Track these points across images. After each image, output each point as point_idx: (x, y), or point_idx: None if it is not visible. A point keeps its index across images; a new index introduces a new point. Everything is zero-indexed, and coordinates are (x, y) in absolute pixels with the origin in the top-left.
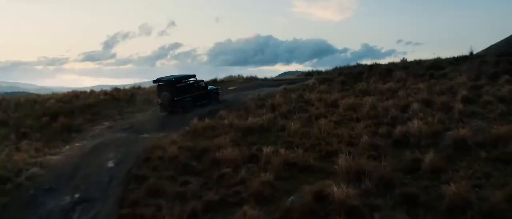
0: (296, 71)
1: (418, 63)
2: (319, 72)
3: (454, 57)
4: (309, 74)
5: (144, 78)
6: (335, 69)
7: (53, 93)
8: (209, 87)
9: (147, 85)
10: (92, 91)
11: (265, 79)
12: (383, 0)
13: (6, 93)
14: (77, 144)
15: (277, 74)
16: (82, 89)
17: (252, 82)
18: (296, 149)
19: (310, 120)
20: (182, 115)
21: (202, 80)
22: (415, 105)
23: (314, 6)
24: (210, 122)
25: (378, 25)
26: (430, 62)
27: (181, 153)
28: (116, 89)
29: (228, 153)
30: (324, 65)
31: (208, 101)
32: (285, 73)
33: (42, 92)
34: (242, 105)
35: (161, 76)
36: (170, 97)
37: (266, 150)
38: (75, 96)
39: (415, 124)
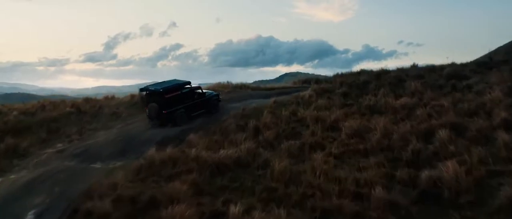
0: (297, 73)
1: (432, 70)
2: (317, 80)
3: (474, 62)
4: (306, 82)
5: (145, 79)
6: (336, 76)
7: (23, 103)
8: (207, 92)
9: (122, 95)
10: (62, 101)
11: (257, 87)
12: (384, 1)
13: (7, 94)
14: (12, 176)
15: (278, 75)
16: (83, 90)
17: (242, 91)
18: (277, 208)
19: (302, 150)
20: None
21: (199, 87)
22: (442, 133)
23: (315, 7)
24: (172, 152)
25: (379, 26)
26: (448, 71)
27: (117, 208)
28: (86, 99)
29: (180, 212)
30: (325, 66)
31: (206, 110)
32: (286, 74)
33: (43, 93)
34: (221, 124)
35: (160, 79)
36: (158, 109)
37: (234, 209)
38: (42, 107)
39: (449, 167)
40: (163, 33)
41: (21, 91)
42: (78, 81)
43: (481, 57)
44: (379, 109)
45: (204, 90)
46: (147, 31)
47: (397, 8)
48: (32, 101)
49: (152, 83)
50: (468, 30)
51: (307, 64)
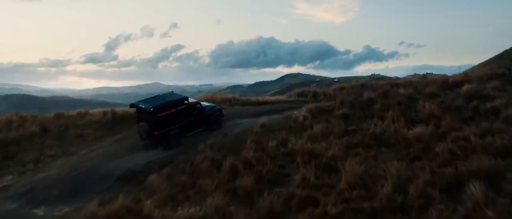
0: (298, 74)
1: (445, 83)
2: (315, 94)
3: (491, 75)
4: (302, 94)
5: (146, 80)
6: (336, 90)
7: None
8: (207, 107)
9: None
10: (32, 117)
11: (248, 100)
12: (385, 2)
13: (7, 95)
14: None
15: (279, 77)
16: (84, 91)
17: (231, 106)
18: None
19: (289, 206)
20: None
21: (198, 103)
22: (474, 188)
23: (316, 8)
24: (121, 205)
25: (380, 27)
26: (468, 88)
27: None
28: (57, 115)
29: None
30: (325, 67)
31: (205, 128)
32: (287, 75)
33: (44, 94)
34: (193, 158)
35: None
36: (148, 129)
37: None
38: (8, 123)
39: None
40: (164, 34)
41: (22, 92)
42: (79, 82)
43: (489, 63)
44: (388, 140)
45: (204, 105)
46: (148, 32)
47: (398, 9)
48: (32, 103)
49: (146, 98)
50: (470, 31)
51: (308, 65)
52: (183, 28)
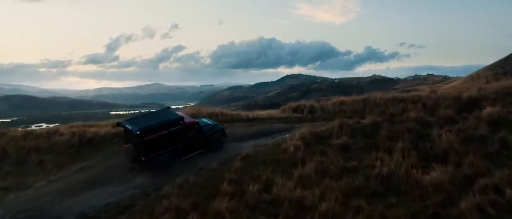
0: (299, 74)
1: (459, 100)
2: (311, 109)
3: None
4: (297, 110)
5: (147, 81)
6: (334, 105)
7: None
8: (206, 124)
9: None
10: (1, 135)
11: (237, 116)
12: (386, 3)
13: (8, 96)
14: None
15: (279, 77)
16: (85, 92)
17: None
18: None
19: None
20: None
21: (196, 123)
22: None
23: (317, 9)
24: None
25: (381, 27)
26: (491, 113)
27: None
28: (23, 135)
29: None
30: (326, 68)
31: (204, 150)
32: (288, 76)
33: (45, 95)
34: (154, 207)
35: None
36: (135, 153)
37: None
38: None
39: None
40: (165, 35)
41: (22, 93)
42: (80, 83)
43: (494, 66)
44: (398, 186)
45: (204, 123)
46: (149, 33)
47: (399, 9)
48: (32, 103)
49: (136, 115)
50: (471, 31)
51: (309, 66)
52: (184, 28)
